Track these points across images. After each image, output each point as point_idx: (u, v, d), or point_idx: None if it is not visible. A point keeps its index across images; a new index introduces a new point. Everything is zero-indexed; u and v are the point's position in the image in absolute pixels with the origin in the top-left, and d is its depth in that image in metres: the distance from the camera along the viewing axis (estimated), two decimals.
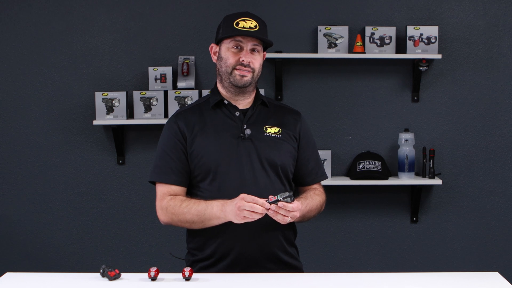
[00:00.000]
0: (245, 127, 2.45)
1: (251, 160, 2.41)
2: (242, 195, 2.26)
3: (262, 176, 2.41)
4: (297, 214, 2.29)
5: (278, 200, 2.23)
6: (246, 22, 2.41)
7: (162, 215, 2.45)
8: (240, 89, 2.45)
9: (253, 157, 2.41)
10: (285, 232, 2.47)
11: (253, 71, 2.42)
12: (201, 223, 2.37)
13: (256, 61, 2.43)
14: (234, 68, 2.42)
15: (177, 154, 2.46)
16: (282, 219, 2.25)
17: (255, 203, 2.22)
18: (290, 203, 2.24)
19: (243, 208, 2.23)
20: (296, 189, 2.61)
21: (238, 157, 2.41)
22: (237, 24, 2.40)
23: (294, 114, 2.56)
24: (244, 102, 2.50)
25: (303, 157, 2.53)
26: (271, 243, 2.43)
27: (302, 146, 2.53)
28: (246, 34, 2.39)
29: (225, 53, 2.44)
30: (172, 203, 2.42)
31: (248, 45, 2.41)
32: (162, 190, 2.46)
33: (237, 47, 2.42)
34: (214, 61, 2.51)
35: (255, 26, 2.41)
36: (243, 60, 2.40)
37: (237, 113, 2.47)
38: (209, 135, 2.44)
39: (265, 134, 2.46)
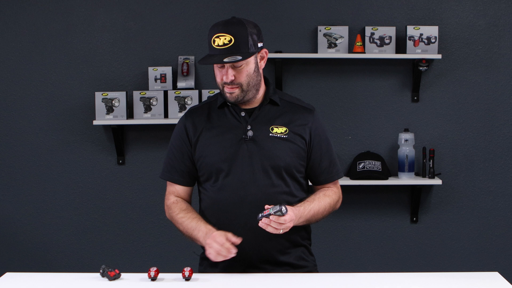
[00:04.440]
0: (249, 127, 2.43)
1: (252, 162, 2.40)
2: (215, 234, 2.31)
3: (262, 178, 2.40)
4: (290, 225, 2.28)
5: (270, 214, 2.23)
6: (220, 39, 2.33)
7: (166, 212, 2.55)
8: (237, 103, 2.43)
9: (254, 159, 2.40)
10: (290, 234, 2.41)
11: (240, 85, 2.37)
12: (189, 238, 2.46)
13: (241, 74, 2.36)
14: (223, 86, 2.39)
15: (181, 154, 2.49)
16: (274, 231, 2.26)
17: (222, 246, 2.28)
18: (282, 215, 2.22)
19: (210, 247, 2.30)
20: (311, 188, 2.57)
21: (239, 159, 2.40)
22: (214, 41, 2.35)
23: (307, 112, 2.49)
24: (250, 103, 2.47)
25: (316, 156, 2.48)
26: (269, 246, 2.41)
27: (314, 145, 2.47)
28: (216, 61, 2.32)
29: (214, 70, 2.42)
30: (173, 207, 2.49)
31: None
32: (169, 188, 2.55)
33: (220, 65, 2.36)
34: None
35: (230, 41, 2.32)
36: (224, 80, 2.36)
37: (243, 113, 2.45)
38: (213, 136, 2.44)
39: (270, 134, 2.43)
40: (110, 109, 4.06)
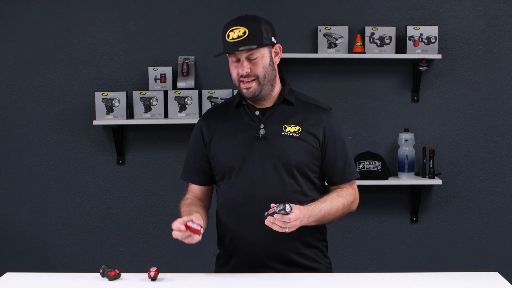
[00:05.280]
0: (261, 126, 2.44)
1: (264, 160, 2.41)
2: (177, 220, 2.30)
3: (272, 176, 2.40)
4: (297, 223, 2.26)
5: (274, 212, 2.23)
6: (234, 32, 2.37)
7: None
8: (254, 98, 2.43)
9: (266, 157, 2.41)
10: (302, 234, 2.42)
11: (256, 77, 2.39)
12: None
13: (256, 66, 2.38)
14: (239, 81, 2.41)
15: (196, 154, 2.52)
16: (279, 229, 2.25)
17: (179, 231, 2.27)
18: (286, 214, 2.22)
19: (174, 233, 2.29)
20: (328, 188, 2.56)
21: (250, 157, 2.42)
22: (228, 36, 2.38)
23: (322, 112, 2.49)
24: (266, 101, 2.48)
25: (330, 155, 2.47)
26: (280, 245, 2.41)
27: (328, 145, 2.46)
28: (232, 50, 2.36)
29: (230, 67, 2.44)
30: (181, 204, 2.53)
31: (242, 55, 2.37)
32: (188, 188, 2.60)
33: (236, 60, 2.40)
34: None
35: (244, 33, 2.36)
36: (240, 73, 2.38)
37: (257, 112, 2.46)
38: (227, 135, 2.46)
39: (283, 133, 2.43)
40: (110, 109, 4.06)
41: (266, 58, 2.40)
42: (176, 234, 2.27)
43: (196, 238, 2.27)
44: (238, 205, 2.42)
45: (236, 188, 2.43)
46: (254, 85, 2.39)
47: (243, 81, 2.39)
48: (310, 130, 2.44)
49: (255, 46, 2.35)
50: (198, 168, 2.53)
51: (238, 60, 2.38)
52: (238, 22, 2.39)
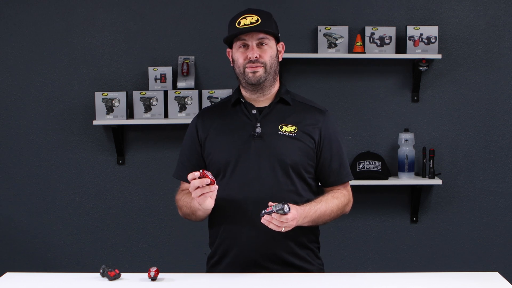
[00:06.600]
0: (258, 125, 2.44)
1: (259, 159, 2.41)
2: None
3: (267, 175, 2.40)
4: (293, 223, 2.27)
5: (272, 211, 2.23)
6: (246, 19, 2.40)
7: (178, 209, 2.55)
8: (257, 86, 2.44)
9: (262, 156, 2.41)
10: (296, 235, 2.42)
11: (264, 64, 2.41)
12: (193, 215, 2.45)
13: (265, 53, 2.41)
14: (245, 67, 2.41)
15: (190, 153, 2.52)
16: (276, 228, 2.25)
17: (196, 182, 2.22)
18: (284, 214, 2.22)
19: (193, 194, 2.25)
20: (322, 189, 2.56)
21: (246, 156, 2.42)
22: (239, 23, 2.40)
23: (318, 113, 2.51)
24: (264, 99, 2.49)
25: (325, 157, 2.48)
26: (273, 244, 2.41)
27: (324, 146, 2.48)
28: (244, 31, 2.39)
29: (235, 54, 2.45)
30: (177, 198, 2.53)
31: (253, 41, 2.40)
32: (180, 185, 2.58)
33: (244, 46, 2.42)
34: (232, 65, 2.50)
35: (257, 20, 2.40)
36: (250, 57, 2.40)
37: (254, 111, 2.47)
38: (223, 134, 2.46)
39: (279, 132, 2.44)
40: (110, 109, 4.06)
41: (273, 49, 2.45)
42: (194, 184, 2.21)
43: (214, 191, 2.24)
44: (232, 204, 2.41)
45: (230, 187, 2.42)
46: (261, 70, 2.41)
47: (250, 66, 2.40)
48: (307, 130, 2.45)
49: (271, 30, 2.41)
50: (191, 166, 2.50)
51: (246, 47, 2.41)
52: (250, 11, 2.44)
